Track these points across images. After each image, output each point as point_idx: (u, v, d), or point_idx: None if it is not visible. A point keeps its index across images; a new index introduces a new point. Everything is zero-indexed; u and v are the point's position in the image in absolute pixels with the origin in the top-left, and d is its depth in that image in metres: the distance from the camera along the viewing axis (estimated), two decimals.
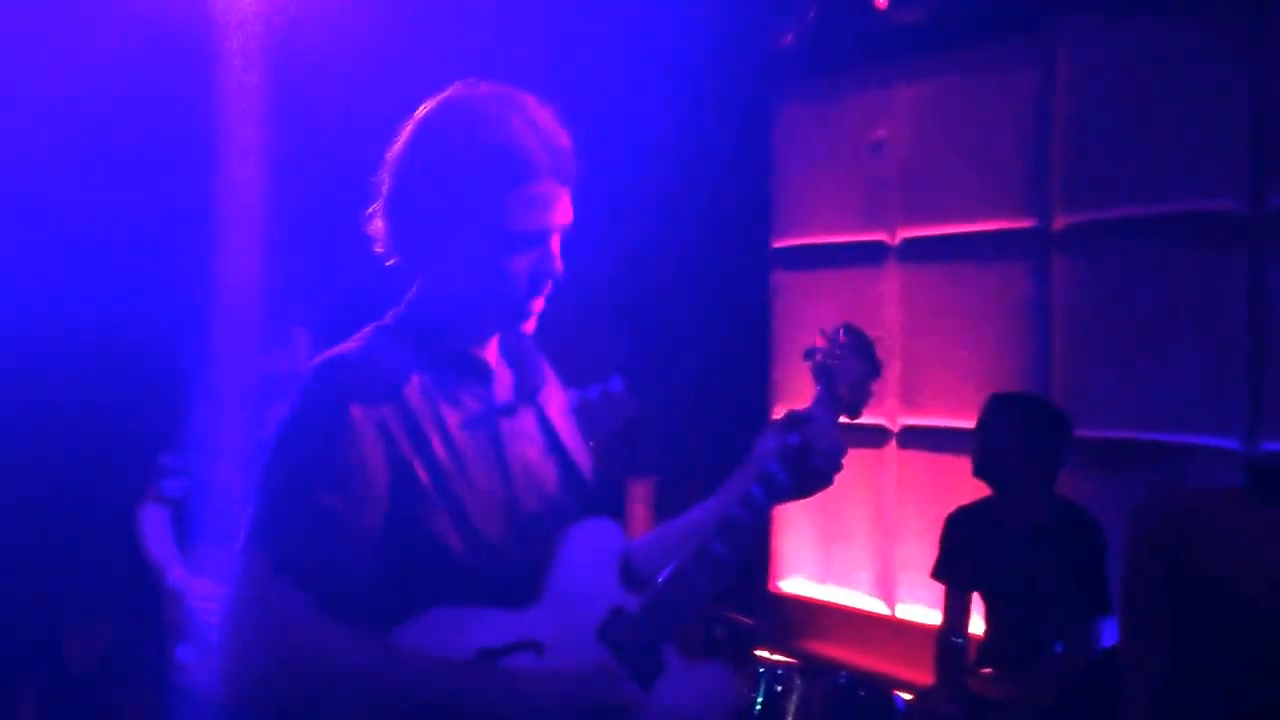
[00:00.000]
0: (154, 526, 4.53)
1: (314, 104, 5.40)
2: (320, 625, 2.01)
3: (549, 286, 2.32)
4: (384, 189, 2.30)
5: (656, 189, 6.69)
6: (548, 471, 2.43)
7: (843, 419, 2.65)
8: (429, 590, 2.15)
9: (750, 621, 5.54)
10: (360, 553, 2.09)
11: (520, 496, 2.33)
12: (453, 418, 2.27)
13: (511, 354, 2.48)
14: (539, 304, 2.33)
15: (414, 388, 2.23)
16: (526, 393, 2.46)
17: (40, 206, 5.30)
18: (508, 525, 2.28)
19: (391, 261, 2.33)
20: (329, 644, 2.01)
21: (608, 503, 2.59)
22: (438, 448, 2.22)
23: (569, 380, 2.91)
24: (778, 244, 6.79)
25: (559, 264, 2.30)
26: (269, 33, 5.26)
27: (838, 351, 2.67)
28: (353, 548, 2.07)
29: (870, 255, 6.33)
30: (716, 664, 2.46)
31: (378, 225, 2.31)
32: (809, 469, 2.49)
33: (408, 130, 2.30)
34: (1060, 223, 5.58)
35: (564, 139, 2.28)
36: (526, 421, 2.44)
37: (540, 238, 2.26)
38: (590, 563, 2.34)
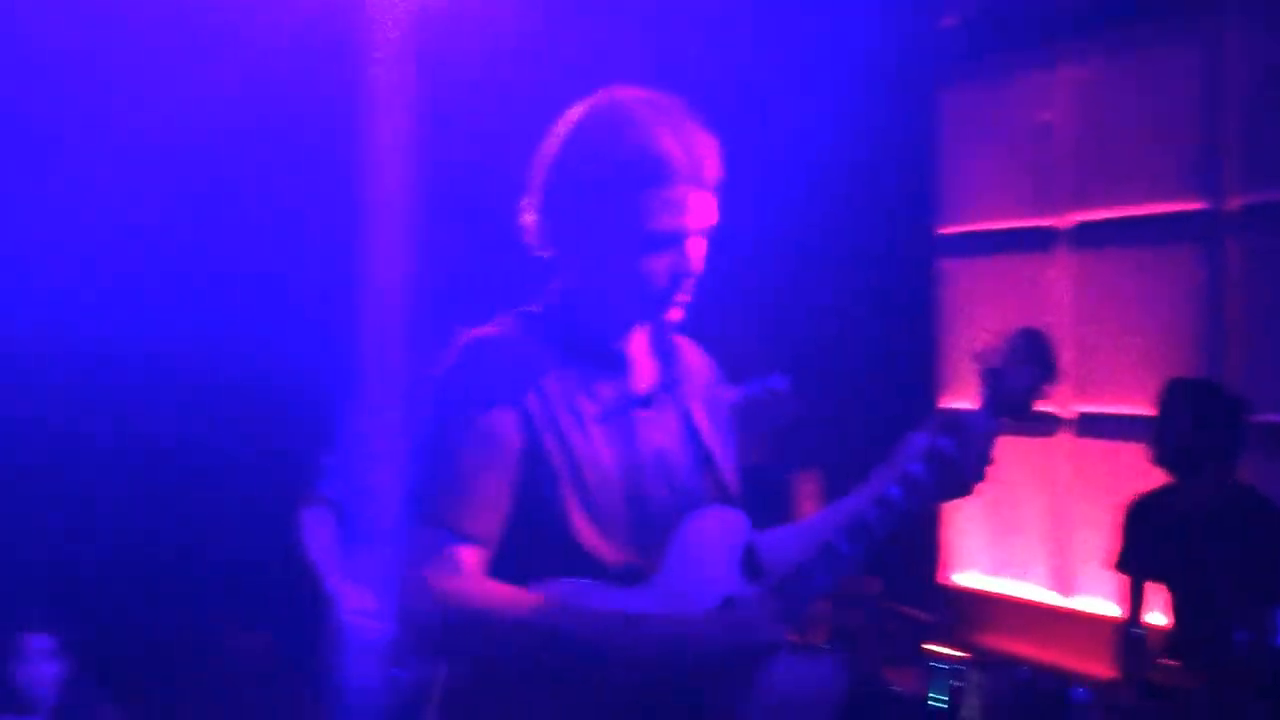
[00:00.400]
0: (314, 529, 4.59)
1: (467, 103, 5.45)
2: (473, 572, 2.20)
3: (688, 284, 2.38)
4: (534, 186, 2.41)
5: (819, 178, 6.66)
6: (680, 462, 2.48)
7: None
8: (548, 564, 2.26)
9: (928, 616, 5.50)
10: (490, 512, 2.24)
11: (647, 483, 2.40)
12: (588, 407, 2.37)
13: (658, 346, 2.54)
14: (682, 298, 2.40)
15: (552, 376, 2.35)
16: (666, 384, 2.52)
17: (195, 208, 5.42)
18: (632, 510, 2.36)
19: (541, 254, 2.44)
20: (483, 589, 2.19)
21: (760, 496, 2.59)
22: (570, 433, 2.32)
23: (733, 375, 2.91)
24: (944, 230, 6.72)
25: (696, 264, 2.37)
26: (420, 31, 5.30)
27: (1008, 356, 2.61)
28: (485, 507, 2.24)
29: (1039, 240, 6.23)
30: (827, 657, 2.47)
31: (529, 220, 2.43)
32: (953, 477, 2.46)
33: (557, 131, 2.40)
34: (1233, 203, 5.44)
35: (706, 143, 2.35)
36: (665, 413, 2.50)
37: (675, 238, 2.34)
38: (709, 551, 2.40)
